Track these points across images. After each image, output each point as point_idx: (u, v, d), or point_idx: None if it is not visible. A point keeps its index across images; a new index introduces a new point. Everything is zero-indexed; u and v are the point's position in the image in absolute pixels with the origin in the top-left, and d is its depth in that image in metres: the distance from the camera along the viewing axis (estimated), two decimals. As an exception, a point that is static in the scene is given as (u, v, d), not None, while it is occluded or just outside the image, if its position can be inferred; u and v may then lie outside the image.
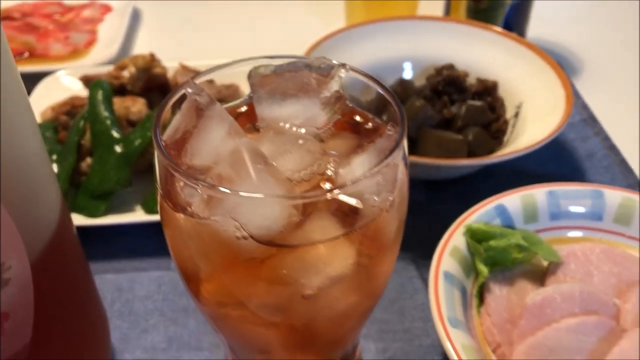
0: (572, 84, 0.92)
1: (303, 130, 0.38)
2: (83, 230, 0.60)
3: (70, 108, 0.76)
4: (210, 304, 0.39)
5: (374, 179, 0.33)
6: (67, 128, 0.74)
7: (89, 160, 0.69)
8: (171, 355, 0.56)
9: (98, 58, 0.95)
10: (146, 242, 0.66)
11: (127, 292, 0.62)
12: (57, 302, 0.43)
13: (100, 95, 0.71)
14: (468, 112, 0.73)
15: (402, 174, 0.36)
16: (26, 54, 0.98)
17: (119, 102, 0.73)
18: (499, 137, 0.74)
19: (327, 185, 0.35)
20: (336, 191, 0.32)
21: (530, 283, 0.56)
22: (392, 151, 0.33)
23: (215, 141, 0.35)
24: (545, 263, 0.57)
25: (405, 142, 0.35)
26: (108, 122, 0.69)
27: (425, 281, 0.62)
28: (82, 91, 0.81)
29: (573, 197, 0.60)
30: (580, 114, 0.86)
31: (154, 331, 0.58)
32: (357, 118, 0.41)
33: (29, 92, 0.82)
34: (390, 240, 0.37)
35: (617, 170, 0.76)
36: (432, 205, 0.71)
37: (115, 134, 0.68)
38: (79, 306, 0.48)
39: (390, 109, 0.38)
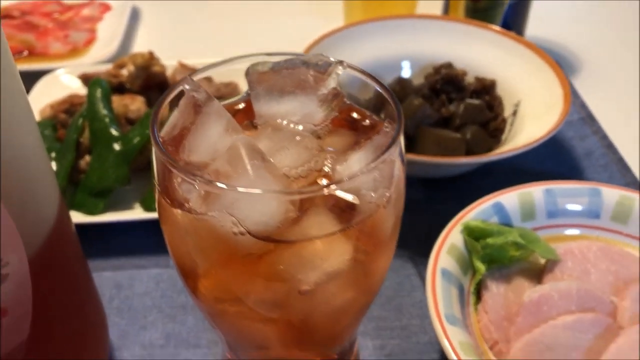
0: (571, 83, 0.92)
1: (300, 127, 0.38)
2: (82, 227, 0.60)
3: (69, 106, 0.76)
4: (207, 300, 0.39)
5: (371, 175, 0.33)
6: (65, 126, 0.74)
7: (87, 158, 0.69)
8: (169, 352, 0.56)
9: (97, 56, 0.95)
10: (145, 240, 0.66)
11: (125, 289, 0.62)
12: (55, 298, 0.43)
13: (99, 93, 0.71)
14: (466, 110, 0.73)
15: (398, 170, 0.36)
16: (25, 53, 0.99)
17: (117, 100, 0.73)
18: (497, 136, 0.74)
19: (324, 182, 0.35)
20: (333, 187, 0.32)
21: (527, 281, 0.56)
22: (388, 147, 0.33)
23: (213, 138, 0.36)
24: (542, 261, 0.57)
25: (402, 139, 0.35)
26: (107, 120, 0.69)
27: (423, 279, 0.62)
28: (81, 89, 0.81)
29: (570, 195, 0.61)
30: (579, 113, 0.86)
31: (152, 328, 0.59)
32: (355, 115, 0.41)
33: (28, 91, 0.82)
34: (386, 236, 0.37)
35: (614, 169, 0.76)
36: (430, 203, 0.71)
37: (114, 132, 0.68)
38: (78, 303, 0.48)
39: (388, 107, 0.38)
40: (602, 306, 0.52)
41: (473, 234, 0.56)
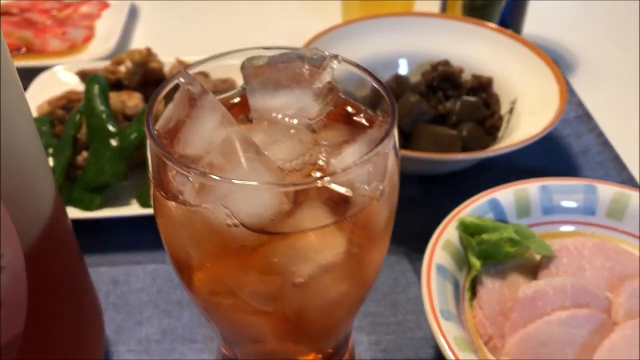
0: (568, 81, 0.92)
1: (295, 121, 0.38)
2: (78, 223, 0.60)
3: (66, 102, 0.76)
4: (202, 293, 0.39)
5: (364, 167, 0.33)
6: (63, 122, 0.74)
7: (85, 154, 0.69)
8: (165, 347, 0.57)
9: (95, 53, 0.95)
10: (141, 236, 0.67)
11: (122, 285, 0.62)
12: (50, 292, 0.44)
13: (96, 89, 0.71)
14: (463, 107, 0.73)
15: (392, 164, 0.36)
16: (23, 50, 0.99)
17: (115, 97, 0.73)
18: (493, 133, 0.74)
19: (318, 175, 0.35)
20: (326, 178, 0.32)
21: (522, 277, 0.56)
22: (382, 140, 0.33)
23: (208, 131, 0.36)
24: (537, 257, 0.57)
25: (395, 132, 0.35)
26: (104, 116, 0.69)
27: (418, 275, 0.63)
28: (78, 86, 0.81)
29: (566, 191, 0.61)
30: (575, 111, 0.86)
31: (148, 323, 0.59)
32: (350, 109, 0.41)
33: (26, 87, 0.82)
34: (380, 229, 0.37)
35: (611, 167, 0.76)
36: (426, 199, 0.71)
37: (111, 128, 0.68)
38: (74, 298, 0.48)
39: (384, 103, 0.38)
40: (596, 302, 0.52)
41: (468, 230, 0.56)
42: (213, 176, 0.32)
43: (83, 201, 0.67)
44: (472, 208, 0.58)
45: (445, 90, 0.76)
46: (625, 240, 0.59)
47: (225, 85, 0.73)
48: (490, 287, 0.55)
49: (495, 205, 0.59)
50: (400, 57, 0.83)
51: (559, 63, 0.93)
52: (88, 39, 1.02)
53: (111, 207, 0.67)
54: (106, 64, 0.80)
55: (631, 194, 0.60)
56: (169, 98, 0.38)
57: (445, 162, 0.68)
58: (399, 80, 0.77)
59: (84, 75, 0.80)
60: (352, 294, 0.40)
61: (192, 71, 0.38)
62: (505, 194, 0.60)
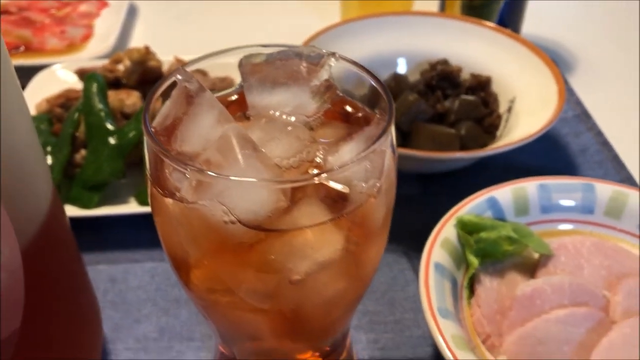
0: (566, 80, 0.92)
1: (293, 118, 0.38)
2: (77, 221, 0.60)
3: (64, 100, 0.76)
4: (199, 290, 0.39)
5: (361, 164, 0.33)
6: (61, 120, 0.74)
7: (83, 152, 0.69)
8: (163, 345, 0.57)
9: (94, 52, 0.95)
10: (139, 234, 0.66)
11: (120, 283, 0.62)
12: (48, 290, 0.44)
13: (95, 87, 0.71)
14: (461, 106, 0.73)
15: (389, 161, 0.36)
16: (22, 48, 0.99)
17: (113, 95, 0.73)
18: (491, 132, 0.74)
19: (315, 172, 0.35)
20: (323, 175, 0.32)
21: (520, 275, 0.56)
22: (379, 137, 0.33)
23: (205, 128, 0.36)
24: (536, 255, 0.57)
25: (392, 129, 0.35)
26: (102, 114, 0.69)
27: (416, 273, 0.63)
28: (77, 84, 0.81)
29: (564, 190, 0.61)
30: (574, 110, 0.86)
31: (146, 321, 0.59)
32: (347, 107, 0.41)
33: (25, 85, 0.82)
34: (377, 227, 0.37)
35: (609, 166, 0.76)
36: (424, 198, 0.71)
37: (110, 126, 0.68)
38: (71, 295, 0.48)
39: (382, 102, 0.38)
40: (594, 300, 0.52)
41: (466, 228, 0.56)
42: (210, 173, 0.32)
43: (81, 199, 0.67)
44: (470, 206, 0.58)
45: (443, 89, 0.76)
46: (623, 239, 0.59)
47: (223, 84, 0.73)
48: (488, 285, 0.55)
49: (493, 203, 0.59)
50: (399, 56, 0.83)
51: (557, 62, 0.93)
52: (87, 37, 1.02)
53: (109, 205, 0.67)
54: (105, 62, 0.80)
55: (629, 192, 0.60)
56: (166, 95, 0.38)
57: (444, 161, 0.68)
58: (397, 79, 0.77)
59: (82, 74, 0.80)
60: (350, 291, 0.39)
61: (189, 69, 0.38)
62: (504, 193, 0.60)
